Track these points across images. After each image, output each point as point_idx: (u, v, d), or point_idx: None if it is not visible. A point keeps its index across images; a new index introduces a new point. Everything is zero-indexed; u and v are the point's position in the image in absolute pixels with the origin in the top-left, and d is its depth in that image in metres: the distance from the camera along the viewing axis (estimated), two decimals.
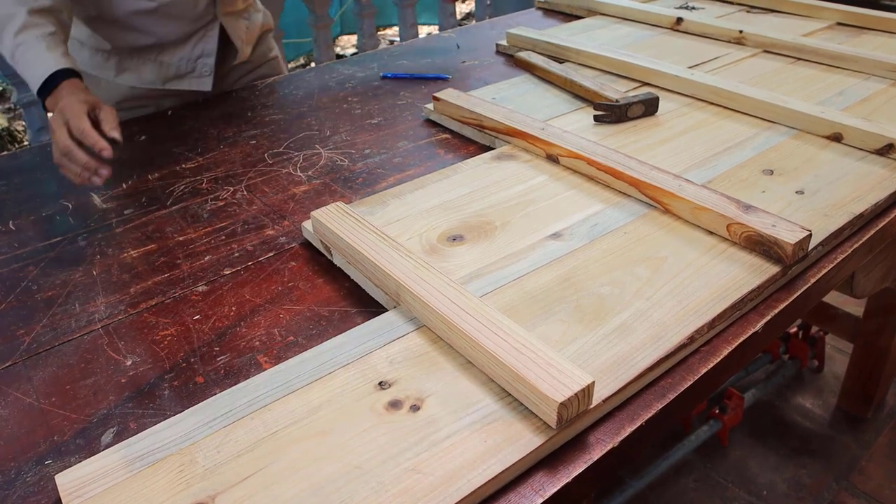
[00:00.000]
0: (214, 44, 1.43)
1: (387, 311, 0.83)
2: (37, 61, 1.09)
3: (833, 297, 1.84)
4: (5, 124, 3.73)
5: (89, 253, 0.99)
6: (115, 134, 1.05)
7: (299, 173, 1.17)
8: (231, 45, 1.48)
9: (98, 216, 1.08)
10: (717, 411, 1.76)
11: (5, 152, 1.92)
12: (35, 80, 1.09)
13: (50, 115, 1.10)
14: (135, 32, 1.36)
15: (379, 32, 4.61)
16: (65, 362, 0.80)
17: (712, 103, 1.34)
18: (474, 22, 4.46)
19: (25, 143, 3.64)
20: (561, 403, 0.63)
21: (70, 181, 1.06)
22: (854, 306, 1.88)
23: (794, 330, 1.98)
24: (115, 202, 1.11)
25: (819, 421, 1.89)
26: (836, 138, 1.18)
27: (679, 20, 1.74)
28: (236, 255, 0.97)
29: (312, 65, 3.85)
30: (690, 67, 1.46)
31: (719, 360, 0.78)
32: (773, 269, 0.87)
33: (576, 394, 0.64)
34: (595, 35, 1.74)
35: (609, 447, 0.67)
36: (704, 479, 1.74)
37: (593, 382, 0.65)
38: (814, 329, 1.99)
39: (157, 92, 1.47)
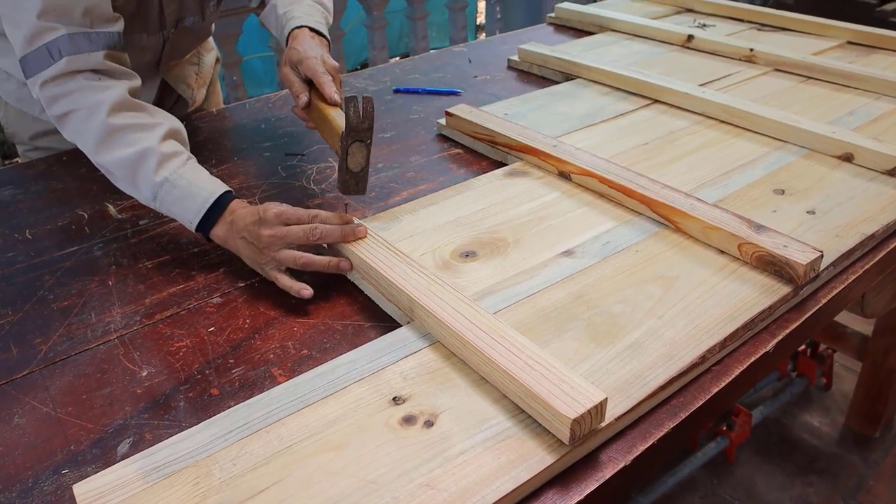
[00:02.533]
0: (152, 96, 1.34)
1: (400, 326, 0.84)
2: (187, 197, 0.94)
3: (842, 316, 1.84)
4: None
5: (105, 263, 1.00)
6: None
7: (313, 186, 1.18)
8: (174, 89, 1.41)
9: (113, 226, 1.09)
10: (724, 428, 1.75)
11: (11, 162, 1.94)
12: (193, 211, 0.94)
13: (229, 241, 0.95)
14: None
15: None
16: (81, 372, 0.81)
17: (723, 121, 1.34)
18: (484, 35, 4.48)
19: None
20: (574, 420, 0.63)
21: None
22: (863, 325, 1.88)
23: (802, 348, 1.98)
24: (131, 212, 1.12)
25: (827, 439, 1.89)
26: (847, 158, 1.19)
27: (690, 38, 1.75)
28: (250, 267, 0.98)
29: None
30: (701, 85, 1.47)
31: (731, 379, 0.78)
32: (785, 290, 0.88)
33: (588, 410, 0.64)
34: (606, 51, 1.75)
35: (621, 465, 0.68)
36: (711, 496, 1.74)
37: (606, 399, 0.66)
38: (822, 347, 1.99)
39: None
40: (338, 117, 0.98)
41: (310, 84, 1.09)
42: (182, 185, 0.94)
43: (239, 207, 0.95)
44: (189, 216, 0.94)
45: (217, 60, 1.55)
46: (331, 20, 1.26)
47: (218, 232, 0.95)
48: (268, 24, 1.28)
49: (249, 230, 0.91)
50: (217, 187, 0.95)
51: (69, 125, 0.97)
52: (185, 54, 1.40)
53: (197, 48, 1.44)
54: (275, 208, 0.91)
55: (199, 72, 1.47)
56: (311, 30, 1.15)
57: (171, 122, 1.00)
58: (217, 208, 0.94)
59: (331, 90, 1.04)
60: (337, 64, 1.09)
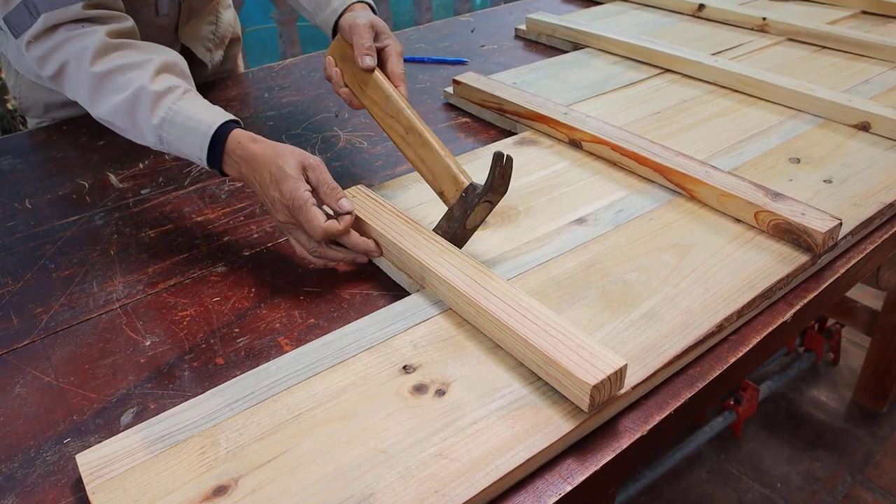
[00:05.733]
0: None
1: (409, 294, 0.82)
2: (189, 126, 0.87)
3: (851, 290, 1.82)
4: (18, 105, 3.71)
5: (106, 232, 0.98)
6: (347, 207, 0.85)
7: (318, 155, 1.16)
8: (193, 55, 1.33)
9: (115, 195, 1.06)
10: (731, 402, 1.74)
11: (19, 131, 1.92)
12: (197, 147, 0.87)
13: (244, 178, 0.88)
14: None
15: None
16: (83, 341, 0.79)
17: (736, 91, 1.31)
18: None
19: None
20: (594, 386, 0.61)
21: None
22: (872, 299, 1.86)
23: (810, 322, 1.96)
24: (132, 182, 1.10)
25: (834, 414, 1.88)
26: (864, 127, 1.16)
27: (701, 6, 1.71)
28: (255, 236, 0.96)
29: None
30: (713, 54, 1.44)
31: (748, 349, 0.77)
32: (803, 258, 0.85)
33: (609, 376, 0.62)
34: (615, 21, 1.72)
35: (638, 435, 0.66)
36: (718, 470, 1.73)
37: (626, 365, 0.64)
38: (830, 322, 1.97)
39: None
40: (443, 154, 0.90)
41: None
42: (180, 122, 0.86)
43: (249, 142, 0.86)
44: (196, 153, 0.87)
45: (237, 37, 1.49)
46: None
47: (229, 170, 0.88)
48: None
49: (265, 183, 0.83)
50: (215, 117, 0.86)
51: (65, 82, 0.92)
52: (200, 12, 1.34)
53: (214, 3, 1.37)
54: (299, 157, 0.83)
55: (216, 31, 1.40)
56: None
57: (163, 55, 0.91)
58: (219, 142, 0.86)
59: (395, 64, 0.97)
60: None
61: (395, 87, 0.96)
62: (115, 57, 0.89)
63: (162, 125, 0.86)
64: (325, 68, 1.01)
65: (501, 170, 0.81)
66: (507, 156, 0.81)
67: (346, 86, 0.99)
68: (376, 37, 0.99)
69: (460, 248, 0.84)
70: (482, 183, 0.83)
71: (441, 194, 0.88)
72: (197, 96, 0.90)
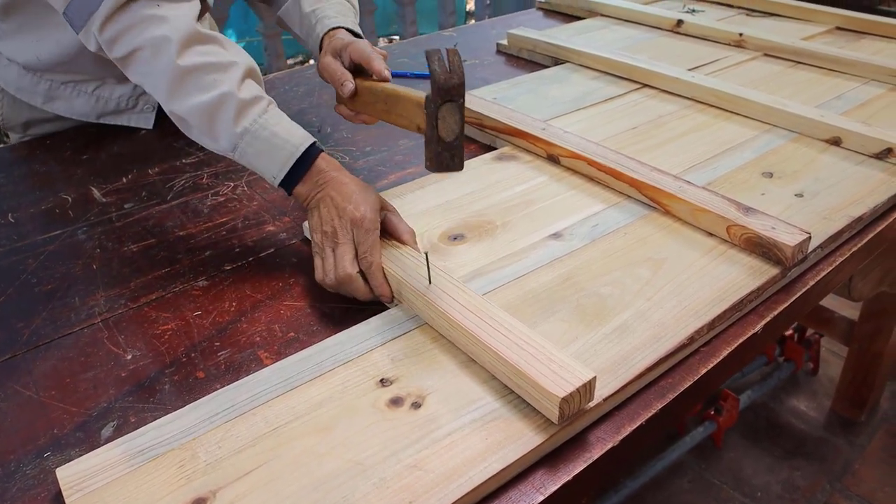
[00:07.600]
0: None
1: (387, 308, 0.83)
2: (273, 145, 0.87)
3: (828, 301, 1.85)
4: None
5: (89, 246, 0.99)
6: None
7: None
8: None
9: (98, 210, 1.07)
10: (712, 412, 1.76)
11: (1, 144, 1.92)
12: (276, 165, 0.87)
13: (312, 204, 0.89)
14: (79, 61, 1.19)
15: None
16: (65, 355, 0.80)
17: (712, 105, 1.34)
18: (473, 21, 4.46)
19: None
20: (563, 399, 0.63)
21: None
22: (850, 309, 1.88)
23: (789, 332, 1.99)
24: (115, 196, 1.11)
25: (813, 423, 1.90)
26: (836, 142, 1.19)
27: (679, 22, 1.74)
28: (237, 250, 0.97)
29: (311, 62, 3.85)
30: (690, 69, 1.47)
31: (719, 360, 0.78)
32: (773, 271, 0.87)
33: (577, 389, 0.64)
34: (595, 36, 1.74)
35: (609, 446, 0.67)
36: (699, 480, 1.75)
37: (594, 378, 0.66)
38: (809, 332, 2.00)
39: (87, 123, 1.31)
40: (408, 90, 0.88)
41: (354, 73, 1.00)
42: (264, 137, 0.86)
43: (332, 168, 0.88)
44: (272, 170, 0.87)
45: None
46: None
47: (302, 189, 0.88)
48: (289, 22, 1.17)
49: (344, 197, 0.85)
50: (302, 138, 0.87)
51: (134, 66, 0.89)
52: None
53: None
54: (383, 205, 0.88)
55: None
56: (349, 31, 1.07)
57: (245, 59, 0.91)
58: (304, 163, 0.87)
59: (380, 65, 0.95)
60: (385, 52, 1.01)
61: (382, 80, 0.95)
62: (201, 51, 0.87)
63: (244, 136, 0.86)
64: (343, 82, 1.00)
65: (441, 63, 0.77)
66: (447, 49, 0.78)
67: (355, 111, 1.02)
68: (341, 51, 1.01)
69: (459, 169, 0.80)
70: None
71: (418, 129, 0.85)
72: (280, 112, 0.90)
